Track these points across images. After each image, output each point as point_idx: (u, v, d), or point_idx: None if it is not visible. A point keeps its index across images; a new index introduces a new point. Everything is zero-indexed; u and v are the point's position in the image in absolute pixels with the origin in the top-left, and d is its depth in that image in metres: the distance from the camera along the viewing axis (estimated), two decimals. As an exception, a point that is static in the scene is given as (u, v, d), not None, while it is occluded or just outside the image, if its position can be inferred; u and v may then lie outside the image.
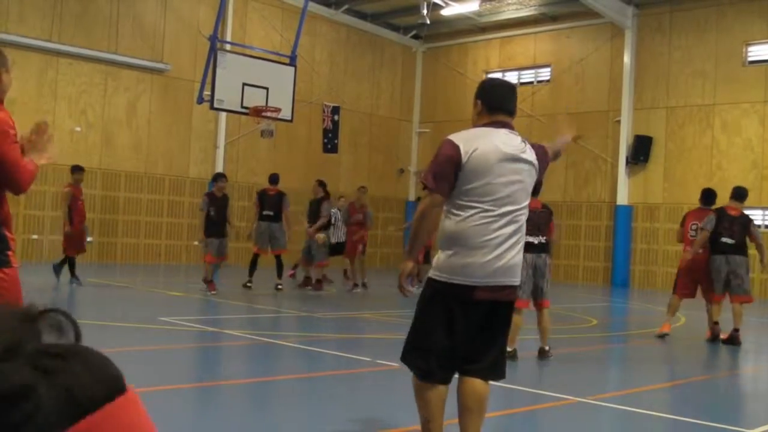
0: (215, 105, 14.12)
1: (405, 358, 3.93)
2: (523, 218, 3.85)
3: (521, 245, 3.85)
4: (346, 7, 23.54)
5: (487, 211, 3.70)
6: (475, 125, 3.91)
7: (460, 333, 3.75)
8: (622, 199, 21.55)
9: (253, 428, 4.91)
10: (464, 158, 3.69)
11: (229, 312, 11.25)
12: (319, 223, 14.11)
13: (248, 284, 13.65)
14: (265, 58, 15.65)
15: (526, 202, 3.87)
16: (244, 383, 6.19)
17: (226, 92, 13.97)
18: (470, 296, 3.70)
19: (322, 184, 14.90)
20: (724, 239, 9.71)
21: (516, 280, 3.86)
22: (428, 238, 4.07)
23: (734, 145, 20.01)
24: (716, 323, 9.81)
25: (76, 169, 13.05)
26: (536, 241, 7.84)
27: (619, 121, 21.68)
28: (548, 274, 7.89)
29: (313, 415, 5.24)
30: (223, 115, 19.99)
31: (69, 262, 12.90)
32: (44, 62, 18.16)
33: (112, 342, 8.21)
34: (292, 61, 15.47)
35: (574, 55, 22.89)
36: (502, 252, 3.72)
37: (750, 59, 20.05)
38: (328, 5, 23.43)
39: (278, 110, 14.56)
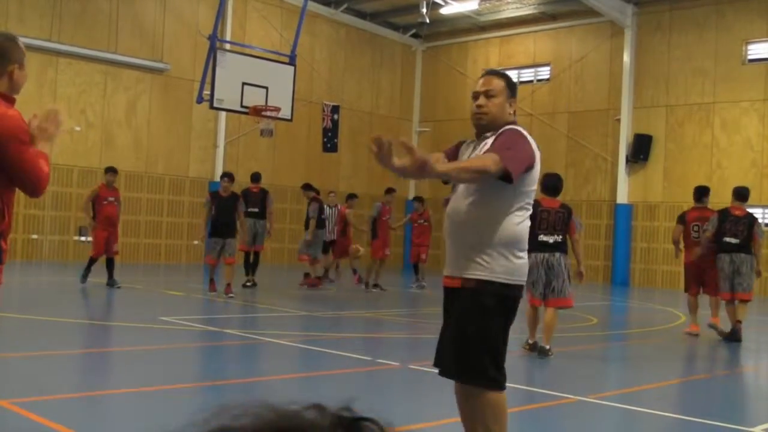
0: (215, 104, 14.12)
1: (481, 378, 3.52)
2: None
3: None
4: (345, 6, 23.54)
5: (528, 213, 3.67)
6: (507, 122, 3.65)
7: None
8: (622, 197, 21.56)
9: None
10: (537, 158, 3.57)
11: (229, 311, 11.25)
12: (311, 227, 14.25)
13: (247, 284, 13.68)
14: (264, 58, 15.64)
15: None
16: (243, 382, 6.18)
17: (226, 92, 13.97)
18: (520, 295, 3.66)
19: (308, 187, 15.03)
20: (727, 239, 9.93)
21: None
22: (458, 181, 3.60)
23: (734, 144, 20.00)
24: (739, 322, 9.85)
25: (107, 170, 13.02)
26: (551, 240, 7.87)
27: (618, 120, 21.67)
28: (564, 273, 7.88)
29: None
30: (223, 114, 19.99)
31: (89, 261, 12.81)
32: (44, 62, 18.15)
33: (113, 341, 8.21)
34: (292, 61, 15.46)
35: (574, 53, 22.88)
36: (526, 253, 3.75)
37: (750, 57, 20.04)
38: (328, 4, 23.43)
39: (278, 109, 14.57)
